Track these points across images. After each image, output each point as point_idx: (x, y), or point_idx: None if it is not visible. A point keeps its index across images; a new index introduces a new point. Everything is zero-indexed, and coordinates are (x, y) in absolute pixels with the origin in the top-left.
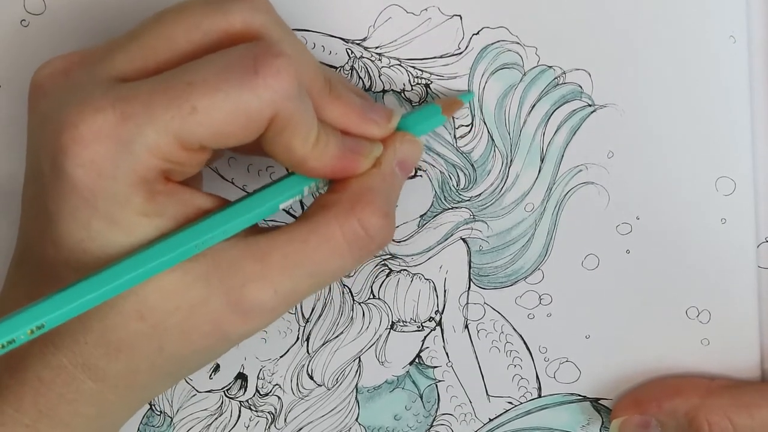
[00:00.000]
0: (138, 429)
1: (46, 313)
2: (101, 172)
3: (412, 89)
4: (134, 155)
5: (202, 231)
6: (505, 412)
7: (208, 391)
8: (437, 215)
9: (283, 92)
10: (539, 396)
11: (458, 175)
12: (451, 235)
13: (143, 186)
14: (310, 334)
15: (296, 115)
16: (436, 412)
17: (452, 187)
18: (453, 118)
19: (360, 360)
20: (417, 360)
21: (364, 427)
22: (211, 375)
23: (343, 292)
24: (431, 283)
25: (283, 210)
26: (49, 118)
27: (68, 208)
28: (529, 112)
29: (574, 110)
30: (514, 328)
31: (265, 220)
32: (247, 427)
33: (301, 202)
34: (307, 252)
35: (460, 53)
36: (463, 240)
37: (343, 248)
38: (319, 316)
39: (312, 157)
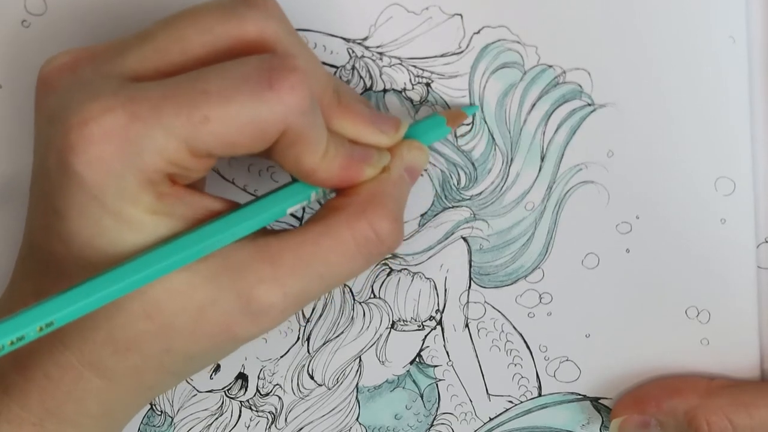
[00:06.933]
0: (138, 429)
1: (56, 311)
2: (109, 170)
3: (413, 88)
4: (141, 156)
5: (211, 233)
6: (505, 411)
7: (209, 391)
8: (438, 214)
9: (296, 107)
10: (539, 395)
11: (459, 174)
12: (452, 234)
13: (150, 186)
14: (310, 333)
15: (307, 130)
16: (437, 411)
17: (453, 186)
18: None
19: (360, 359)
20: (417, 359)
21: (365, 427)
22: (211, 375)
23: (343, 292)
24: (432, 282)
25: (290, 214)
26: (57, 116)
27: (77, 205)
28: (530, 111)
29: (574, 109)
30: (514, 327)
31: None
32: (248, 427)
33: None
34: (318, 254)
35: (461, 52)
36: (464, 239)
37: (354, 251)
38: (320, 316)
39: (321, 168)
